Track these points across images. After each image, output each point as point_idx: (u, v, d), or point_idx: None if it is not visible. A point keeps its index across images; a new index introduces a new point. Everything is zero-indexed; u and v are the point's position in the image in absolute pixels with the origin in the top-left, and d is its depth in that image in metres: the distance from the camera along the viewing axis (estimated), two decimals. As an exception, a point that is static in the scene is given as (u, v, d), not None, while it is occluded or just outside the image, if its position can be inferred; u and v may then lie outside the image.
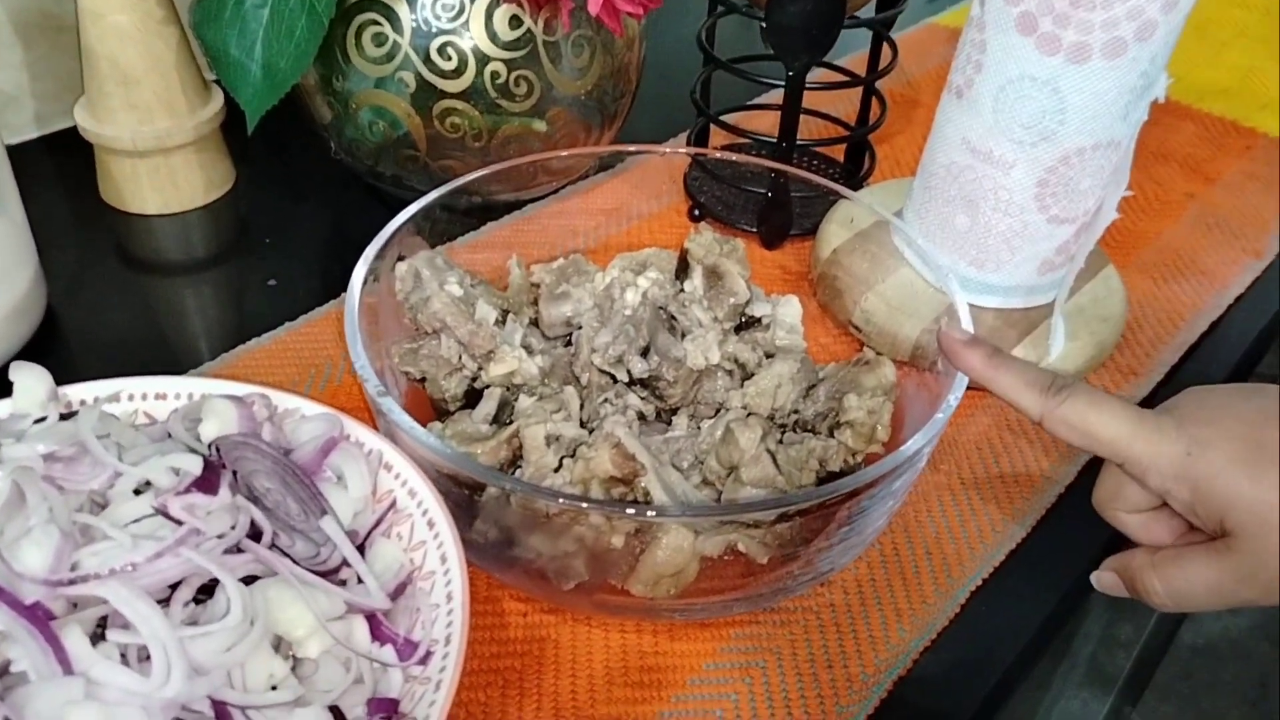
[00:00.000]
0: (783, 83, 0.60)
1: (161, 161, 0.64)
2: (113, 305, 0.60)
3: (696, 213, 0.66)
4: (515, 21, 0.58)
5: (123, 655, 0.28)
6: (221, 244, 0.66)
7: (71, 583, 0.28)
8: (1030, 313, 0.57)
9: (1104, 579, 0.41)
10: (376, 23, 0.57)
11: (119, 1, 0.59)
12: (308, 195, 0.70)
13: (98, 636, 0.28)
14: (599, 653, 0.42)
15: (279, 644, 0.30)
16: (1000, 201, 0.53)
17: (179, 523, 0.30)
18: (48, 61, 0.70)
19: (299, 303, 0.59)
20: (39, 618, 0.27)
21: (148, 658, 0.28)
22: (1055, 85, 0.49)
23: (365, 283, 0.44)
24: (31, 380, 0.38)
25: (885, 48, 0.66)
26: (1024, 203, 0.53)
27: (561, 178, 0.65)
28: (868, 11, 0.63)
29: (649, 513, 0.37)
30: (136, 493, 0.32)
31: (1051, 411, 0.38)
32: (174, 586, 0.30)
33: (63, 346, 0.57)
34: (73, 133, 0.65)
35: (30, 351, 0.55)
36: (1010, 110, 0.51)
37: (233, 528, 0.31)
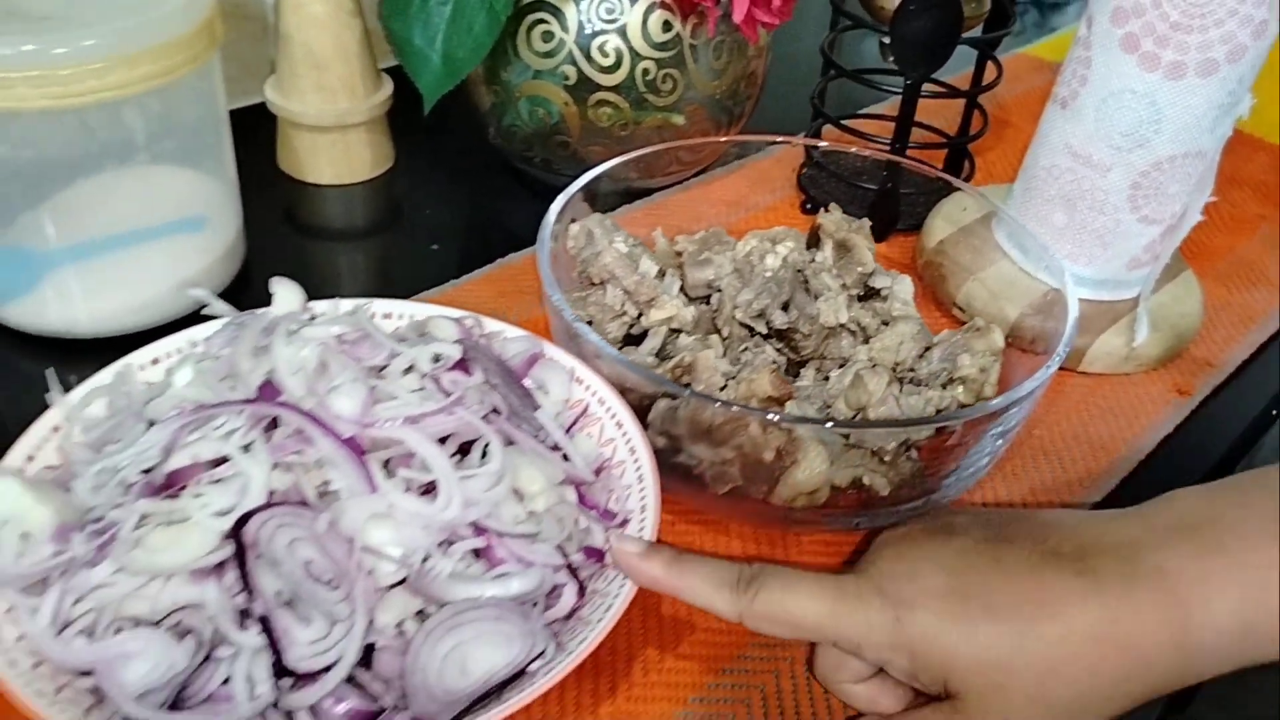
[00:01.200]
0: (898, 91, 0.67)
1: (339, 137, 0.72)
2: (290, 260, 0.68)
3: (809, 206, 0.73)
4: (667, 25, 0.65)
5: (405, 488, 0.35)
6: (385, 214, 0.74)
7: (375, 425, 0.35)
8: (1116, 305, 0.63)
9: None
10: (545, 21, 0.65)
11: (319, -7, 0.68)
12: (458, 175, 0.78)
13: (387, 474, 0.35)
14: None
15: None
16: (1096, 201, 0.60)
17: (446, 394, 0.38)
18: (235, 47, 0.79)
19: (458, 267, 0.67)
20: (354, 449, 0.35)
21: (424, 492, 0.35)
22: (1153, 98, 0.56)
23: (554, 237, 0.51)
24: (289, 292, 0.45)
25: (989, 66, 0.73)
26: (1118, 203, 0.60)
27: (690, 168, 0.72)
28: (972, 34, 0.70)
29: (801, 424, 0.43)
30: (404, 374, 0.39)
31: (747, 608, 0.36)
32: (441, 442, 0.37)
33: (255, 289, 0.65)
34: (253, 109, 0.73)
35: (233, 289, 0.63)
36: (1110, 119, 0.58)
37: (480, 404, 0.38)
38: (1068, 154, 0.60)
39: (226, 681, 0.33)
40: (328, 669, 0.32)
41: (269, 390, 0.36)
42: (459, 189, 0.77)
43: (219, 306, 0.43)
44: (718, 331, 0.54)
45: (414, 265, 0.69)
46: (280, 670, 0.32)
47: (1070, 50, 0.60)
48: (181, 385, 0.37)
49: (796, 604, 0.36)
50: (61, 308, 0.57)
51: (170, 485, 0.34)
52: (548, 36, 0.66)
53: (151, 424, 0.37)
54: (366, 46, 0.71)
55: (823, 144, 0.69)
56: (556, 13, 0.65)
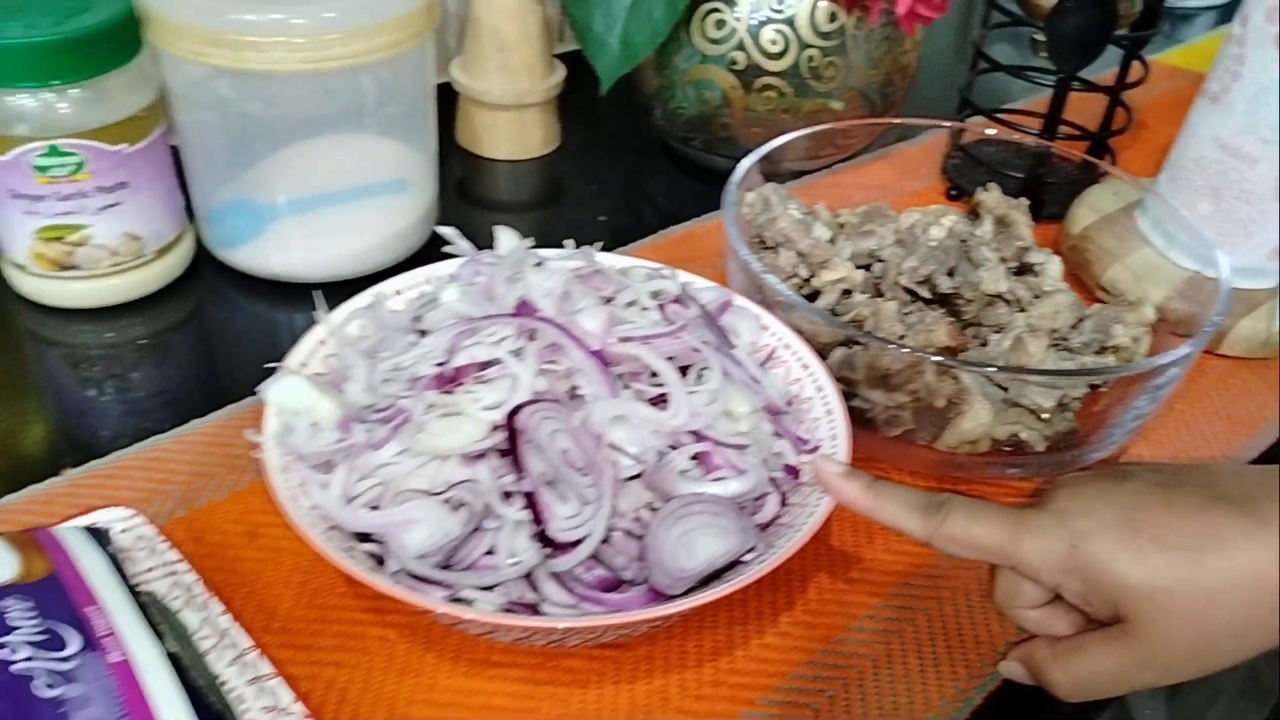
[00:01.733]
0: (1049, 85, 0.70)
1: (515, 116, 0.79)
2: (466, 227, 0.74)
3: (953, 193, 0.77)
4: (832, 16, 0.70)
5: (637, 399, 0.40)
6: (551, 189, 0.80)
7: (619, 341, 0.41)
8: (1254, 294, 0.66)
9: (1011, 669, 0.42)
10: (718, 10, 0.71)
11: (509, -18, 0.74)
12: (617, 155, 0.84)
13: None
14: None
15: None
16: (1243, 192, 0.63)
17: (670, 323, 0.43)
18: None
19: (619, 239, 0.72)
20: (600, 359, 0.40)
21: (652, 403, 0.40)
22: (1305, 93, 0.59)
23: (739, 202, 0.56)
24: (510, 237, 0.51)
25: (1135, 65, 0.76)
26: (1264, 194, 0.62)
27: (843, 152, 0.76)
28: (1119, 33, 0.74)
29: (971, 373, 0.48)
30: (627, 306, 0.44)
31: (936, 530, 0.39)
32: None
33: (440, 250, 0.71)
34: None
35: (425, 250, 0.69)
36: (1261, 113, 0.61)
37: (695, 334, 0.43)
38: (1216, 146, 0.63)
39: (489, 553, 0.38)
40: (579, 542, 0.37)
41: (525, 308, 0.41)
42: (618, 168, 0.83)
43: (463, 245, 0.49)
44: (880, 296, 0.59)
45: (579, 237, 0.75)
46: (541, 540, 0.37)
47: (1223, 47, 0.63)
48: (450, 301, 0.43)
49: (983, 529, 0.38)
50: (282, 254, 0.64)
51: (449, 382, 0.39)
52: (720, 24, 0.71)
53: (423, 334, 0.43)
54: (546, 33, 0.77)
55: (989, 131, 0.72)
56: (731, 2, 0.70)
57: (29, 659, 0.35)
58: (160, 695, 0.36)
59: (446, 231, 0.49)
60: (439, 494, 0.38)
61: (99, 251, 0.59)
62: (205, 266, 0.66)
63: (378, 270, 0.66)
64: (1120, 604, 0.37)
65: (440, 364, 0.39)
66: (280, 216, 0.64)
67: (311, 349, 0.46)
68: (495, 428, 0.39)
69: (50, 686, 0.34)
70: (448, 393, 0.40)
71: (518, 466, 0.37)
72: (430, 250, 0.69)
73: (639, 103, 0.79)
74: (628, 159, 0.84)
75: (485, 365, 0.40)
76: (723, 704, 0.43)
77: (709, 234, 0.72)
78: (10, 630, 0.36)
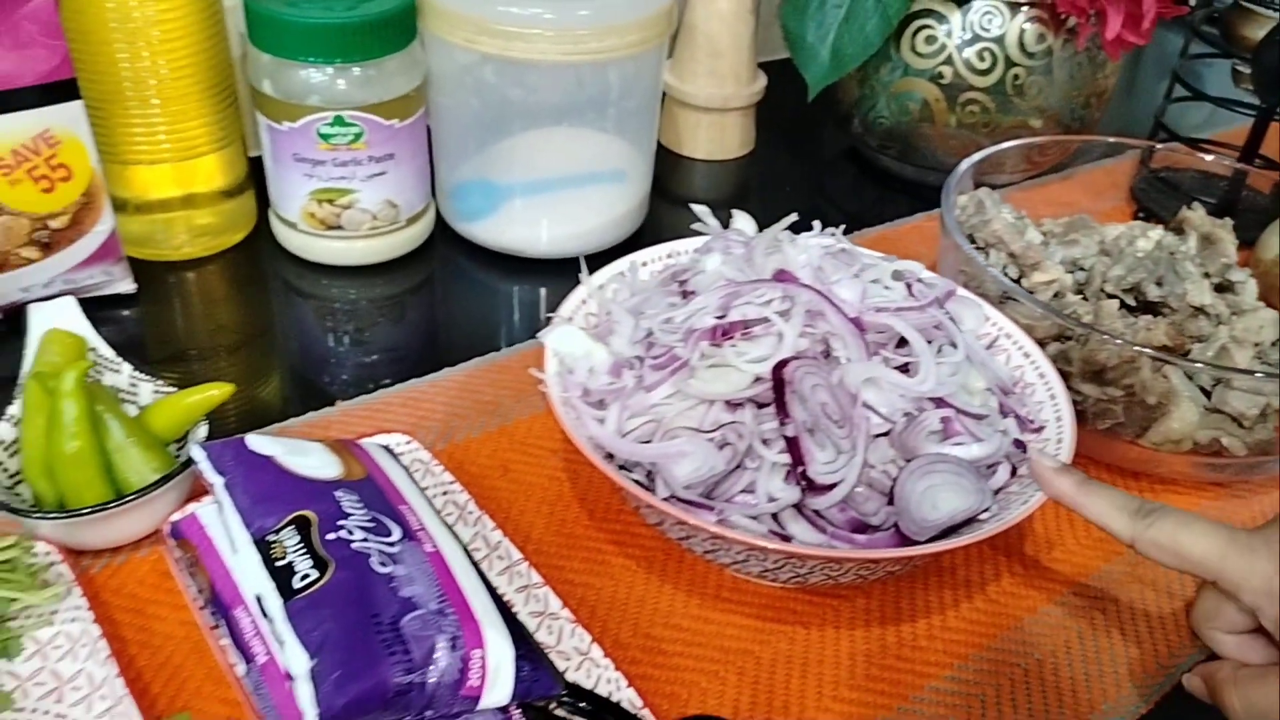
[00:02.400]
0: (1250, 114, 0.72)
1: (718, 118, 0.84)
2: (666, 217, 0.79)
3: (1140, 215, 0.79)
4: (1040, 37, 0.73)
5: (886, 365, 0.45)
6: (743, 188, 0.85)
7: (873, 311, 0.45)
8: None
9: (1193, 684, 0.42)
10: (929, 26, 0.74)
11: (726, -8, 0.79)
12: (808, 161, 0.88)
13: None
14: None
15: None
16: None
17: (915, 299, 0.47)
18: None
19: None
20: (858, 325, 0.44)
21: (898, 369, 0.44)
22: None
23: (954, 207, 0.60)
24: (747, 221, 0.56)
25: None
26: None
27: (1033, 169, 0.79)
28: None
29: (1183, 369, 0.50)
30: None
31: (1141, 534, 0.40)
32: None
33: (646, 237, 0.76)
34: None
35: (637, 235, 0.74)
36: None
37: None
38: None
39: (746, 490, 0.43)
40: (833, 486, 0.41)
41: (785, 276, 0.46)
42: (808, 172, 0.87)
43: (712, 224, 0.53)
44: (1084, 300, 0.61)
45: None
46: (801, 482, 0.41)
47: None
48: (715, 267, 0.48)
49: (1190, 538, 0.39)
50: (513, 230, 0.70)
51: (721, 335, 0.44)
52: (930, 40, 0.75)
53: (685, 296, 0.48)
54: (755, 41, 0.82)
55: (1182, 155, 0.74)
56: (942, 19, 0.74)
57: (364, 540, 0.40)
58: (467, 583, 0.41)
59: (699, 209, 0.53)
60: (706, 433, 0.43)
61: (362, 215, 0.66)
62: (441, 237, 0.73)
63: (597, 250, 0.71)
64: None
65: (719, 318, 0.44)
66: (515, 196, 0.70)
67: (575, 306, 0.51)
68: (757, 379, 0.43)
69: (383, 564, 0.40)
70: (716, 346, 0.44)
71: (782, 413, 0.42)
72: (640, 236, 0.75)
73: (837, 111, 0.83)
74: (817, 164, 0.88)
75: (748, 324, 0.44)
76: (937, 655, 0.46)
77: (903, 237, 0.76)
78: (345, 516, 0.41)
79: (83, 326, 0.53)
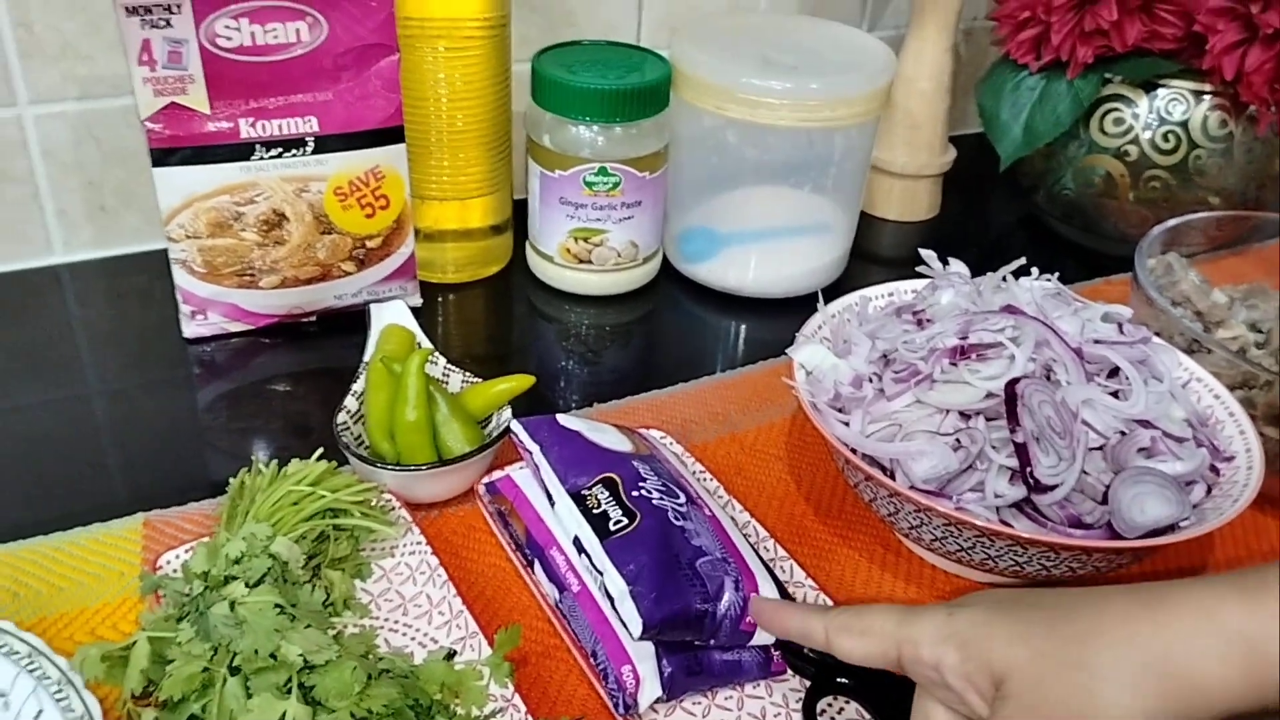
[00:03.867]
0: None
1: (910, 184, 0.92)
2: (855, 271, 0.88)
3: (1314, 291, 0.84)
4: (1223, 122, 0.80)
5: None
6: (932, 247, 0.93)
7: (1090, 343, 0.53)
8: None
9: None
10: (1118, 109, 0.82)
11: (927, 72, 0.88)
12: (987, 227, 0.96)
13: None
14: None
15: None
16: None
17: (1126, 335, 0.54)
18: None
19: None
20: (1079, 354, 0.52)
21: (1110, 395, 0.52)
22: None
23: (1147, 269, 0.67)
24: (960, 266, 0.64)
25: None
26: None
27: (1205, 245, 0.85)
28: None
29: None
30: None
31: (830, 623, 0.42)
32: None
33: (844, 286, 0.85)
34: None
35: (837, 284, 0.83)
36: None
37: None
38: None
39: (973, 489, 0.50)
40: (1055, 487, 0.49)
41: (1012, 309, 0.54)
42: (989, 237, 0.95)
43: (936, 266, 0.62)
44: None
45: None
46: (1028, 481, 0.49)
47: None
48: (949, 300, 0.56)
49: (871, 617, 0.42)
50: (731, 273, 0.80)
51: (959, 355, 0.52)
52: (1118, 121, 0.82)
53: (919, 323, 0.56)
54: (948, 117, 0.91)
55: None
56: (1130, 103, 0.82)
57: (661, 499, 0.50)
58: (739, 543, 0.50)
59: (925, 253, 0.62)
60: (943, 436, 0.51)
61: (609, 252, 0.77)
62: (664, 276, 0.83)
63: (801, 294, 0.80)
64: (994, 662, 0.38)
65: (963, 338, 0.52)
66: (733, 243, 0.80)
67: (814, 329, 0.60)
68: (988, 395, 0.51)
69: (676, 519, 0.49)
70: (954, 364, 0.52)
71: (1013, 423, 0.49)
72: (840, 285, 0.83)
73: (1022, 183, 0.91)
74: (998, 230, 0.96)
75: (984, 347, 0.52)
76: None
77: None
78: (643, 480, 0.51)
79: (412, 324, 0.64)
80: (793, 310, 0.79)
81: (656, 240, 0.80)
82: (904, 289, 0.64)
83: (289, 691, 0.41)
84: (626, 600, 0.45)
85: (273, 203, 0.67)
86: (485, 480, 0.57)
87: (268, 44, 0.62)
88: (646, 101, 0.73)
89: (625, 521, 0.48)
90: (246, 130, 0.64)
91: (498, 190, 0.78)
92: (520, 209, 0.81)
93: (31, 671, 0.44)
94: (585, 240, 0.76)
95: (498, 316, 0.80)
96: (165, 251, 0.68)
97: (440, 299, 0.79)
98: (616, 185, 0.74)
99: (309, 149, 0.66)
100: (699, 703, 0.48)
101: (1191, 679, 0.36)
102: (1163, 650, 0.37)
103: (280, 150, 0.66)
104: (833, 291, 0.75)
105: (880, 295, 0.64)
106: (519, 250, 0.83)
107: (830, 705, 0.47)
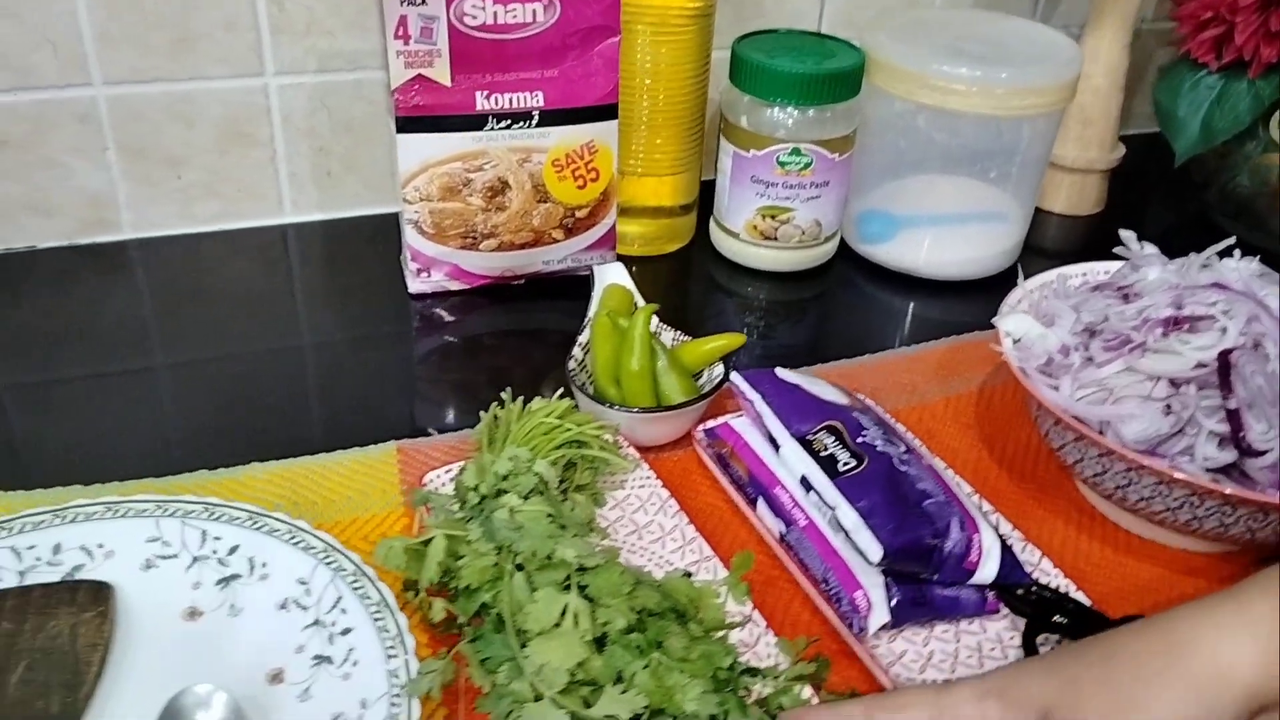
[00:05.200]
0: None
1: (1080, 178, 0.94)
2: (1027, 261, 0.90)
3: None
4: None
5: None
6: (1095, 244, 0.94)
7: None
8: None
9: None
10: (1301, 110, 0.83)
11: (1102, 69, 0.90)
12: (1154, 221, 0.97)
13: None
14: None
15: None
16: None
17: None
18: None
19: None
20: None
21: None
22: None
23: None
24: (1151, 248, 0.66)
25: None
26: None
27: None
28: None
29: None
30: None
31: (868, 706, 0.42)
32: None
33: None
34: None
35: (1009, 272, 0.86)
36: None
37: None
38: None
39: (1181, 452, 0.53)
40: (1266, 452, 0.51)
41: (1219, 286, 0.56)
42: (1155, 234, 0.95)
43: (1135, 247, 0.65)
44: None
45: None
46: (1240, 446, 0.51)
47: None
48: (1156, 275, 0.59)
49: (907, 693, 0.43)
50: (910, 254, 0.83)
51: (1171, 326, 0.55)
52: (1305, 132, 0.83)
53: (1125, 298, 0.59)
54: (1120, 115, 0.93)
55: None
56: (1313, 102, 0.83)
57: (884, 446, 0.53)
58: (958, 490, 0.53)
59: (1125, 234, 0.65)
60: (1154, 401, 0.54)
61: (794, 230, 0.81)
62: (840, 256, 0.87)
63: (976, 278, 0.83)
64: (1035, 702, 0.40)
65: (1177, 309, 0.55)
66: (909, 226, 0.83)
67: (1015, 302, 0.63)
68: (1198, 365, 0.54)
69: (900, 465, 0.53)
70: (1164, 335, 0.55)
71: (1226, 390, 0.52)
72: (1010, 274, 0.86)
73: (1192, 180, 0.93)
74: (1163, 227, 0.97)
75: (1196, 319, 0.55)
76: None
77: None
78: (864, 429, 0.55)
79: (630, 285, 0.69)
80: (967, 293, 0.82)
81: (838, 220, 0.84)
82: (1099, 269, 0.67)
83: (568, 588, 0.46)
84: (863, 530, 0.49)
85: (499, 171, 0.73)
86: (704, 427, 0.61)
87: (507, 23, 0.68)
88: (841, 85, 0.77)
89: (853, 463, 0.52)
90: (481, 103, 0.70)
91: (688, 170, 0.83)
92: (705, 190, 0.86)
93: (329, 564, 0.50)
94: (773, 218, 0.80)
95: (680, 289, 0.84)
96: (381, 216, 0.74)
97: (626, 270, 0.83)
98: (808, 165, 0.78)
99: (534, 121, 0.72)
100: (919, 634, 0.51)
101: (1219, 668, 0.39)
102: (1188, 637, 0.40)
103: (509, 122, 0.71)
104: (1006, 278, 0.78)
105: (1077, 274, 0.67)
106: (701, 228, 0.87)
107: (1045, 641, 0.50)
